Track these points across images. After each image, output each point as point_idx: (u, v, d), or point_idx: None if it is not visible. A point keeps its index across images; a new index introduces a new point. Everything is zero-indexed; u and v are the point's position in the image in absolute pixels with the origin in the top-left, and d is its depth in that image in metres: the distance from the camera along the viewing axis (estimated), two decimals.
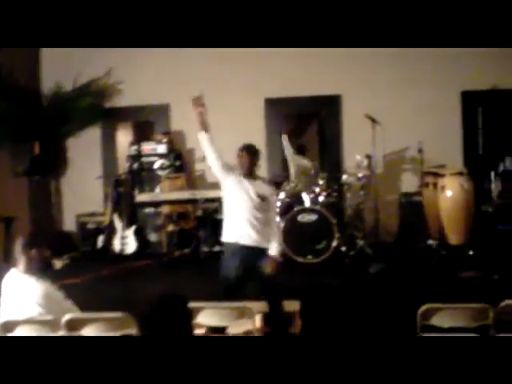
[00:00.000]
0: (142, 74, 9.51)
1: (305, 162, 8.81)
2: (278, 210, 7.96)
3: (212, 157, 5.03)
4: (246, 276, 5.08)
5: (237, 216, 5.09)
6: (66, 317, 3.68)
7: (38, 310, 3.83)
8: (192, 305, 4.04)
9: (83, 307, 4.11)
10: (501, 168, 7.93)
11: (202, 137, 5.06)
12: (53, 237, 9.31)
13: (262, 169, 9.34)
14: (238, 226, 5.07)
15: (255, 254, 5.07)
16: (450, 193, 7.08)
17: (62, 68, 9.49)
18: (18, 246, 3.98)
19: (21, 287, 3.91)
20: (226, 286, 5.09)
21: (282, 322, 5.06)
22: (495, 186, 7.74)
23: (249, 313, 4.04)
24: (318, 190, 8.03)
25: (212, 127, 8.57)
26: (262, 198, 5.03)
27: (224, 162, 5.06)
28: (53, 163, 9.63)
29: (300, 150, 9.02)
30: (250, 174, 5.11)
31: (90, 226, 9.33)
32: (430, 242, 7.53)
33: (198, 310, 4.03)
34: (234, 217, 5.11)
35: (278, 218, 7.83)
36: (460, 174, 7.16)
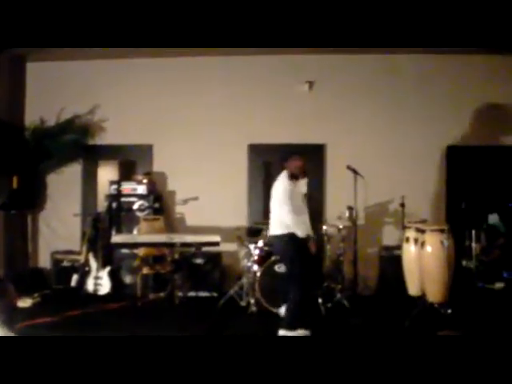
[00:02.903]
0: (127, 113, 9.50)
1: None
2: (255, 258, 7.89)
3: None
4: None
5: None
6: None
7: None
8: None
9: None
10: (485, 224, 7.88)
11: None
12: (25, 273, 9.17)
13: (243, 215, 9.31)
14: None
15: None
16: (430, 249, 6.97)
17: (46, 103, 9.46)
18: None
19: None
20: None
21: None
22: (478, 243, 7.63)
23: None
24: None
25: (194, 170, 8.59)
26: None
27: None
28: (31, 198, 9.49)
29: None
30: None
31: (65, 264, 9.14)
32: (409, 297, 7.39)
33: None
34: None
35: (255, 267, 7.78)
36: (441, 230, 7.04)
